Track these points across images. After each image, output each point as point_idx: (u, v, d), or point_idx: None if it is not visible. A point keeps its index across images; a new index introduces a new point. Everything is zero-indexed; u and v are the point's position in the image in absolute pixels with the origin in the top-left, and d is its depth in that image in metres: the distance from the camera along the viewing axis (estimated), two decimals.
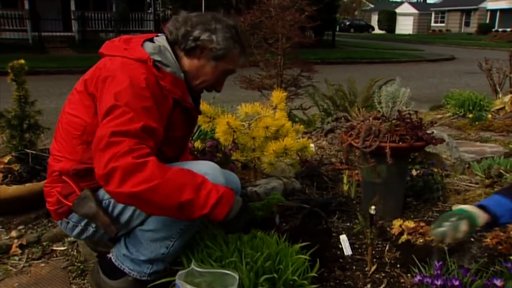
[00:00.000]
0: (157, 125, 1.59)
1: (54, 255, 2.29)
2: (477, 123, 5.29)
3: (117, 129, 1.50)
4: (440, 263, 1.94)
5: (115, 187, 1.47)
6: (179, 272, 1.47)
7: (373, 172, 2.62)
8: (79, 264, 2.18)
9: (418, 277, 1.91)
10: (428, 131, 2.55)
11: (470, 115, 5.57)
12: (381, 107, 2.60)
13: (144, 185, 1.46)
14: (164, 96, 1.67)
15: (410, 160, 3.45)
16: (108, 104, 1.55)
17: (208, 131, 3.05)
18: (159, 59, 1.68)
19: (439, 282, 1.81)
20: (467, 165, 3.69)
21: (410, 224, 2.42)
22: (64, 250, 2.34)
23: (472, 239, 2.38)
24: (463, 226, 1.80)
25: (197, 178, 1.55)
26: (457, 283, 1.78)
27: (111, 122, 1.52)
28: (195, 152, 2.67)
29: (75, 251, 2.32)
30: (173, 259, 1.82)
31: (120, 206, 1.70)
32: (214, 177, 1.64)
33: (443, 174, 3.20)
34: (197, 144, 2.81)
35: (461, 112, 5.84)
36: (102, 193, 1.71)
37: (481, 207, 1.86)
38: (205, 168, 1.69)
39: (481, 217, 1.82)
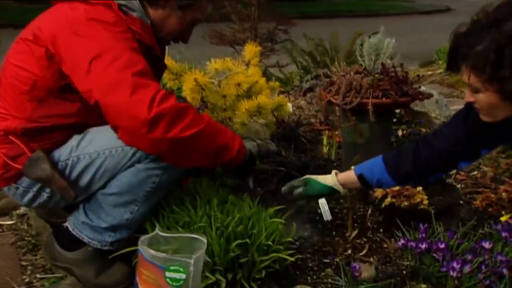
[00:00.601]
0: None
1: (0, 230, 2.29)
2: None
3: (135, 70, 1.54)
4: (425, 225, 2.02)
5: (162, 133, 1.52)
6: (142, 238, 1.50)
7: (355, 132, 2.67)
8: (29, 239, 2.18)
9: (402, 241, 2.00)
10: (415, 86, 2.60)
11: None
12: (363, 61, 2.63)
13: (192, 129, 1.57)
14: (137, 41, 1.68)
15: (396, 120, 3.52)
16: (91, 54, 1.55)
17: (174, 89, 3.04)
18: (124, 3, 1.69)
19: (423, 246, 1.90)
20: None
21: (394, 186, 2.49)
22: (12, 224, 2.33)
23: (461, 202, 2.48)
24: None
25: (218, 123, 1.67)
26: (442, 246, 1.87)
27: (110, 67, 1.53)
28: None
29: (25, 225, 2.31)
30: (137, 227, 1.84)
31: (79, 168, 1.71)
32: None
33: None
34: None
35: None
36: (57, 154, 1.72)
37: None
38: None
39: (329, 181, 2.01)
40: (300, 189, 2.05)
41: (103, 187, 1.75)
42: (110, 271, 1.85)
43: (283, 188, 2.08)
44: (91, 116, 1.72)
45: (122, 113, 1.53)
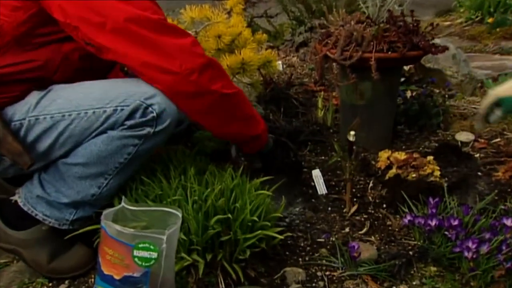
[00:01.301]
0: None
1: None
2: (498, 29, 5.24)
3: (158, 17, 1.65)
4: (436, 200, 2.03)
5: (208, 82, 1.67)
6: (105, 212, 1.47)
7: (355, 92, 2.66)
8: None
9: (408, 218, 2.01)
10: (428, 38, 2.57)
11: (490, 20, 5.47)
12: (367, 7, 2.60)
13: (232, 88, 1.77)
14: None
15: (404, 79, 3.52)
16: None
17: None
18: None
19: (433, 223, 1.91)
20: (479, 84, 3.78)
21: (401, 155, 2.49)
22: None
23: (479, 173, 2.49)
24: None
25: None
26: (455, 222, 1.88)
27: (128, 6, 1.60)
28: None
29: None
30: (103, 204, 1.81)
31: (37, 131, 1.66)
32: (166, 100, 1.67)
33: (446, 95, 3.28)
34: None
35: (477, 17, 5.77)
36: (10, 112, 1.67)
37: None
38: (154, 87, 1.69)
39: None
40: (498, 113, 1.99)
41: (65, 155, 1.71)
42: (67, 255, 1.84)
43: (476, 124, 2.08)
44: (61, 70, 1.70)
45: (175, 54, 1.63)
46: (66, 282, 1.82)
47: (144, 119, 1.66)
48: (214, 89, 1.69)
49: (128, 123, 1.66)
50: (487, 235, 1.82)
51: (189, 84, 1.64)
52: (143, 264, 1.41)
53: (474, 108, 3.36)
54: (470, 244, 1.76)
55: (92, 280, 1.81)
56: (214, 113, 1.77)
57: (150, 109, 1.65)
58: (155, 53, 1.62)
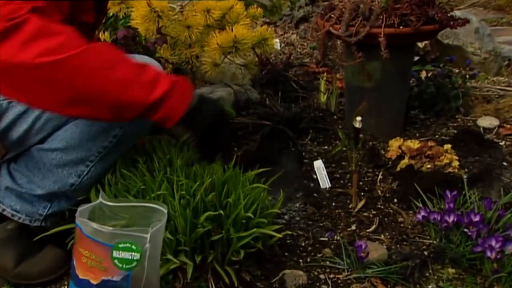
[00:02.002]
0: None
1: None
2: None
3: None
4: (454, 193, 2.05)
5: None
6: (80, 208, 1.47)
7: (362, 73, 2.67)
8: None
9: (422, 213, 2.03)
10: (446, 10, 2.58)
11: None
12: None
13: (62, 52, 1.40)
14: None
15: (418, 57, 3.52)
16: None
17: (121, 16, 3.00)
18: None
19: (451, 219, 1.92)
20: (505, 62, 3.79)
21: (414, 144, 2.51)
22: None
23: (504, 163, 2.51)
24: None
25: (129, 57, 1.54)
26: (477, 218, 1.89)
27: None
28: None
29: None
30: (81, 196, 1.81)
31: (10, 115, 1.66)
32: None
33: (467, 76, 3.29)
34: (105, 36, 2.77)
35: None
36: None
37: None
38: (141, 60, 1.68)
39: None
40: None
41: (42, 141, 1.71)
42: (36, 257, 1.83)
43: None
44: None
45: None
46: None
47: None
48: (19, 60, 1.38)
49: None
50: None
51: None
52: (124, 266, 1.40)
53: (500, 89, 3.37)
54: (493, 243, 1.76)
55: (66, 286, 1.81)
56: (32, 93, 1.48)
57: None
58: None
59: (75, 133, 1.69)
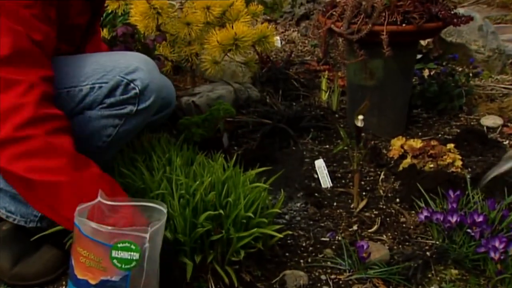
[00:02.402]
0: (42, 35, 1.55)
1: None
2: None
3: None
4: (457, 193, 2.04)
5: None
6: (79, 207, 1.48)
7: (364, 71, 2.67)
8: None
9: (425, 213, 2.02)
10: (449, 8, 2.57)
11: None
12: None
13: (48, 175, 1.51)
14: None
15: (420, 56, 3.52)
16: None
17: (120, 13, 3.00)
18: None
19: (454, 219, 1.92)
20: (510, 60, 3.79)
21: (416, 143, 2.51)
22: None
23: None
24: None
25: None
26: (480, 219, 1.89)
27: None
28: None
29: None
30: None
31: None
32: (149, 75, 1.69)
33: (470, 74, 3.29)
34: (104, 33, 2.76)
35: None
36: None
37: None
38: (136, 61, 1.71)
39: None
40: None
41: None
42: (33, 258, 1.83)
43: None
44: None
45: None
46: None
47: (125, 96, 1.68)
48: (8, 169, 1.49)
49: (108, 101, 1.68)
50: None
51: None
52: (123, 266, 1.40)
53: (504, 88, 3.37)
54: (497, 244, 1.76)
55: (64, 287, 1.80)
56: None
57: (132, 85, 1.67)
58: None
59: None
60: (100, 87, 1.66)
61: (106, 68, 1.67)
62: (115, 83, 1.66)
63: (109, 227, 1.41)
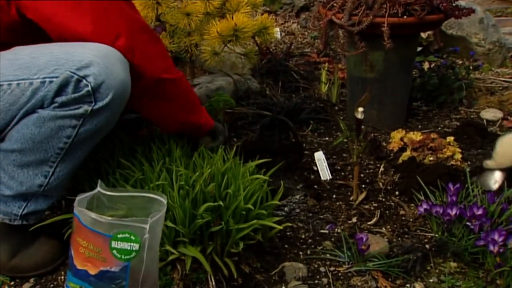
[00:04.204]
0: None
1: None
2: None
3: None
4: (457, 186, 2.05)
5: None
6: (78, 197, 1.47)
7: (364, 63, 2.67)
8: None
9: (424, 206, 2.03)
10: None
11: None
12: None
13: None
14: None
15: (421, 48, 3.52)
16: None
17: None
18: None
19: (453, 212, 1.92)
20: (510, 53, 3.80)
21: (416, 136, 2.52)
22: None
23: None
24: None
25: None
26: (479, 212, 1.89)
27: None
28: None
29: None
30: (61, 193, 1.81)
31: None
32: (105, 70, 1.59)
33: (471, 67, 3.30)
34: None
35: None
36: None
37: None
38: (92, 54, 1.60)
39: None
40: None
41: (2, 139, 1.67)
42: (31, 249, 1.82)
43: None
44: None
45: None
46: (31, 280, 1.81)
47: (77, 94, 1.58)
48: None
49: (59, 99, 1.59)
50: None
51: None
52: (123, 257, 1.41)
53: (504, 81, 3.37)
54: (496, 237, 1.77)
55: (62, 277, 1.81)
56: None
57: (84, 81, 1.57)
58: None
59: (26, 135, 1.63)
60: (50, 82, 1.57)
61: (59, 61, 1.58)
62: (65, 79, 1.56)
63: (109, 218, 1.41)
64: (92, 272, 1.43)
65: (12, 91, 1.59)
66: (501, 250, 1.76)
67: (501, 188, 2.16)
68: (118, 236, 1.40)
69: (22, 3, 1.62)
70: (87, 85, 1.56)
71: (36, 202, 1.75)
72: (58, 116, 1.60)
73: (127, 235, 1.40)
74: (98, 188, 1.52)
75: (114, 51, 1.65)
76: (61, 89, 1.57)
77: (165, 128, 2.03)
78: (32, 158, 1.66)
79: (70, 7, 1.62)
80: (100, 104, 1.59)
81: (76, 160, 1.73)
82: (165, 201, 1.49)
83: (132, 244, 1.40)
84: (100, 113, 1.62)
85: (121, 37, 1.65)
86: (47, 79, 1.57)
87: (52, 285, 1.79)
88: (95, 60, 1.57)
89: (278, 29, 3.95)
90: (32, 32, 1.70)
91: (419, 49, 3.41)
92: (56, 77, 1.56)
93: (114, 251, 1.40)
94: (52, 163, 1.68)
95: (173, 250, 1.66)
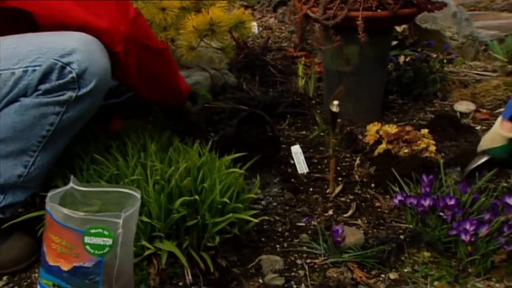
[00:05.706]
0: None
1: None
2: None
3: None
4: (430, 177, 2.06)
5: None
6: (50, 193, 1.45)
7: (340, 57, 2.66)
8: None
9: (399, 198, 2.04)
10: None
11: None
12: None
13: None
14: None
15: (396, 42, 3.53)
16: None
17: None
18: None
19: (427, 203, 1.93)
20: (482, 47, 3.81)
21: (392, 129, 2.52)
22: None
23: None
24: None
25: None
26: (452, 202, 1.90)
27: None
28: None
29: None
30: (38, 185, 1.79)
31: None
32: (89, 56, 1.60)
33: (445, 60, 3.32)
34: None
35: None
36: None
37: None
38: (74, 42, 1.61)
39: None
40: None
41: None
42: (4, 247, 1.79)
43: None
44: None
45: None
46: (5, 278, 1.79)
47: (61, 81, 1.58)
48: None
49: (43, 87, 1.59)
50: (487, 216, 1.85)
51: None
52: (96, 252, 1.39)
53: (476, 74, 3.40)
54: (467, 226, 1.78)
55: (36, 275, 1.78)
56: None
57: (68, 68, 1.57)
58: None
59: (7, 124, 1.62)
60: (34, 70, 1.57)
61: (41, 50, 1.59)
62: (48, 66, 1.57)
63: (82, 213, 1.40)
64: (65, 268, 1.41)
65: None
66: (472, 239, 1.77)
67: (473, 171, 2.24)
68: (91, 231, 1.38)
69: None
70: (71, 72, 1.57)
71: (14, 194, 1.74)
72: (42, 103, 1.60)
73: (100, 230, 1.38)
74: (71, 184, 1.50)
75: (94, 40, 1.66)
76: (45, 76, 1.58)
77: (150, 97, 2.05)
78: (13, 148, 1.66)
79: None
80: (84, 90, 1.61)
81: (57, 149, 1.73)
82: (139, 196, 1.47)
83: (105, 239, 1.38)
84: (84, 99, 1.63)
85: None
86: (30, 68, 1.58)
87: (25, 283, 1.77)
88: (77, 47, 1.59)
89: (255, 23, 3.95)
90: (11, 23, 1.70)
91: (394, 43, 3.43)
92: (39, 65, 1.57)
93: (87, 247, 1.39)
94: (33, 152, 1.68)
95: (149, 245, 1.65)
